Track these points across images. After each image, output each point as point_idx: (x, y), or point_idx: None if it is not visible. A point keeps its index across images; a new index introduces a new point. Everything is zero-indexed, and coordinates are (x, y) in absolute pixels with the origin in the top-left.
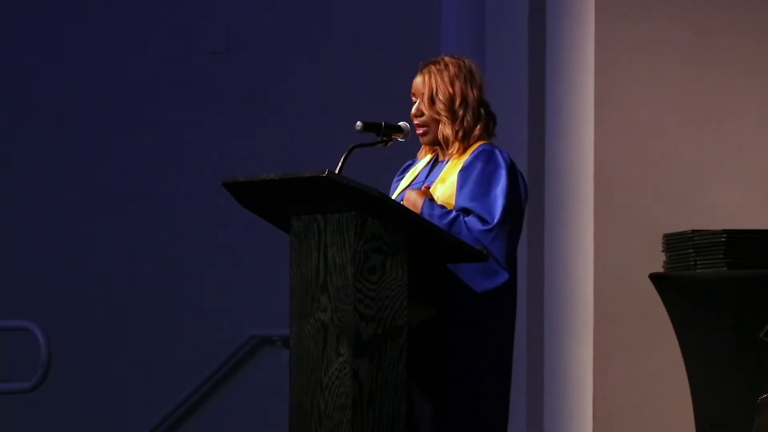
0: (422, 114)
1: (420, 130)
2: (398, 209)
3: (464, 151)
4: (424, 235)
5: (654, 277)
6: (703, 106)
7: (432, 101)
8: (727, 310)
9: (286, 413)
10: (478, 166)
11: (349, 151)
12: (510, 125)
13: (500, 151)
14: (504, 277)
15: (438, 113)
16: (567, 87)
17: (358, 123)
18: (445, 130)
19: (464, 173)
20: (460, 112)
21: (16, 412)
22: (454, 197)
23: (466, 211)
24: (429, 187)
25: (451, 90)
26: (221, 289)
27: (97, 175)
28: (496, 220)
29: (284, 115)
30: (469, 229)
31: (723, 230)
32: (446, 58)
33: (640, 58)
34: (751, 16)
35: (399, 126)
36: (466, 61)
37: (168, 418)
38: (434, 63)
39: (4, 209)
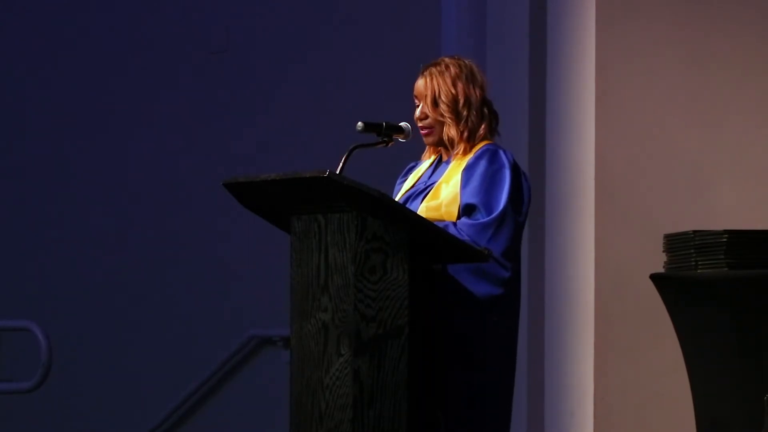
0: (426, 117)
1: (424, 132)
2: (399, 209)
3: (469, 150)
4: (425, 235)
5: (655, 278)
6: (704, 106)
7: (435, 103)
8: (728, 310)
9: (287, 413)
10: (482, 164)
11: (350, 152)
12: (511, 125)
13: (504, 151)
14: (504, 274)
15: (442, 115)
16: (568, 87)
17: (359, 123)
18: (450, 131)
19: (468, 172)
20: (464, 113)
21: (16, 412)
22: (458, 196)
23: (470, 208)
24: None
25: (453, 91)
26: (221, 289)
27: (97, 174)
28: (494, 216)
29: (284, 115)
30: (459, 229)
31: (724, 230)
32: (446, 59)
33: (640, 58)
34: (752, 17)
35: (400, 126)
36: (466, 61)
37: (168, 418)
38: (435, 65)
39: (4, 210)
